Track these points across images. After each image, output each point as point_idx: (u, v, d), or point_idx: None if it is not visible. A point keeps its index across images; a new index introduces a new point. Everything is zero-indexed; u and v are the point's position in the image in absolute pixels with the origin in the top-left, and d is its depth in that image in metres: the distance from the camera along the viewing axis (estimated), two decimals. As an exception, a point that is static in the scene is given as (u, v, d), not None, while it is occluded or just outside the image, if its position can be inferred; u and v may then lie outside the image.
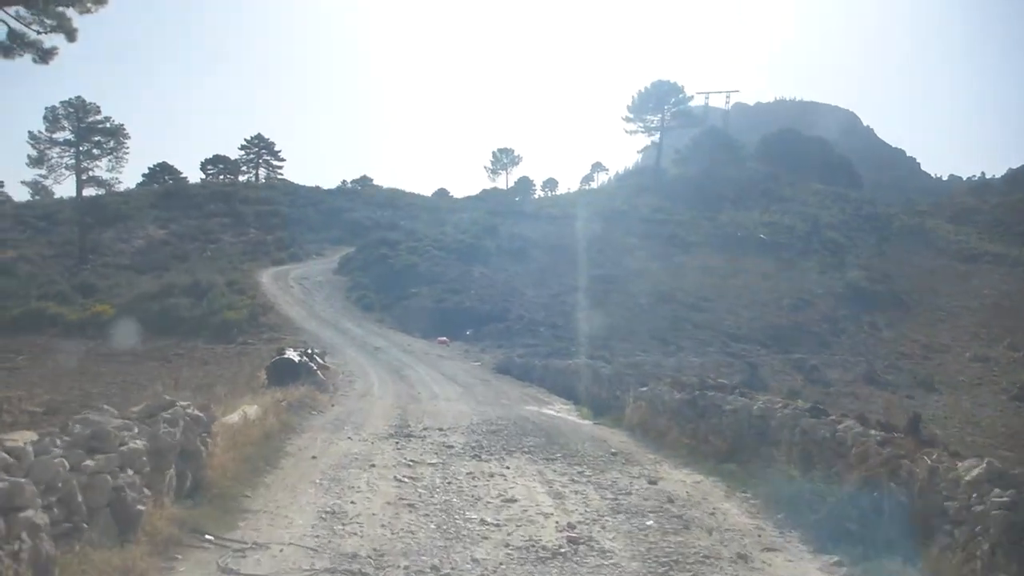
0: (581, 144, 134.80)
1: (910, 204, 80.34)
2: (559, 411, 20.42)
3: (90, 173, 67.14)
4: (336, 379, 23.82)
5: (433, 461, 10.73)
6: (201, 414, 8.15)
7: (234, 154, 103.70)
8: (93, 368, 27.50)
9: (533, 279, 46.85)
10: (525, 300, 42.22)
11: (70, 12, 18.38)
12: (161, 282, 41.19)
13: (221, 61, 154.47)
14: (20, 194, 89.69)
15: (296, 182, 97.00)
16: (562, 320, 38.35)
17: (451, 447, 11.98)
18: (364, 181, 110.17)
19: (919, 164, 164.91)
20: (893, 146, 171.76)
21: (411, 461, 10.61)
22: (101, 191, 69.45)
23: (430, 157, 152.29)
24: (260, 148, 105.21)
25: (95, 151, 67.03)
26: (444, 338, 36.79)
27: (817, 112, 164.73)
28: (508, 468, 10.49)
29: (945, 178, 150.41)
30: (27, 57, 19.11)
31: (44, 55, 19.32)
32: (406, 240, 54.86)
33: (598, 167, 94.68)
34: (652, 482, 9.99)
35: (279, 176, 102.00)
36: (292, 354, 21.44)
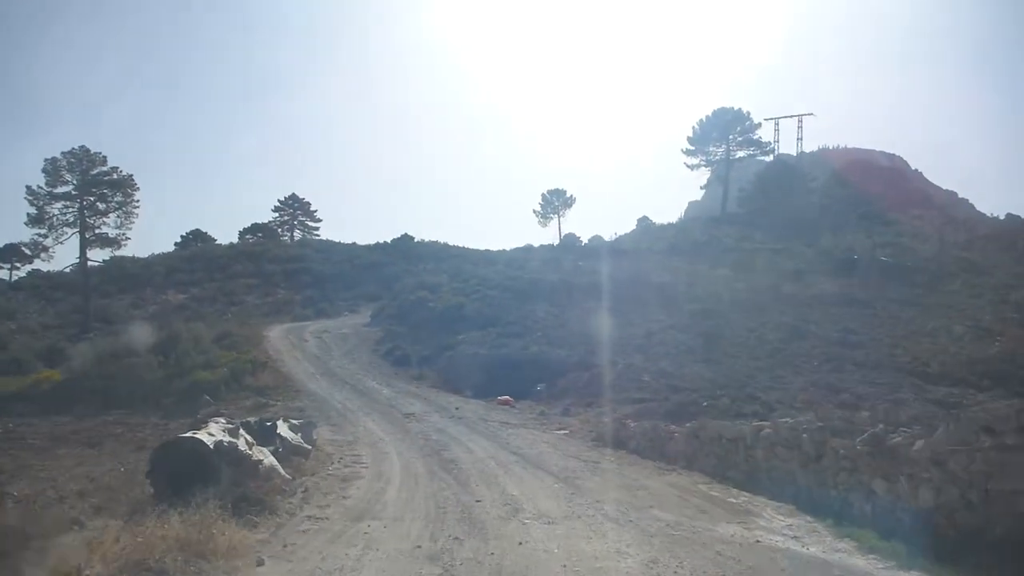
0: (625, 199, 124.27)
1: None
2: (799, 537, 8.31)
3: (96, 231, 57.68)
4: (324, 469, 11.94)
5: None
6: None
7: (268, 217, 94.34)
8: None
9: (615, 317, 34.76)
10: (611, 342, 30.12)
11: None
12: (120, 340, 29.68)
13: (257, 125, 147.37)
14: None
15: (332, 240, 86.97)
16: (670, 365, 26.14)
17: None
18: (404, 240, 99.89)
19: (973, 205, 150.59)
20: (945, 189, 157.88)
21: None
22: (108, 251, 59.01)
23: (470, 214, 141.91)
24: (295, 209, 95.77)
25: (100, 205, 57.50)
26: (507, 396, 24.84)
27: (868, 157, 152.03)
28: None
29: (1002, 217, 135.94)
30: None
31: None
32: (450, 282, 43.31)
33: (644, 221, 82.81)
34: None
35: (315, 236, 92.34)
36: (210, 433, 9.56)
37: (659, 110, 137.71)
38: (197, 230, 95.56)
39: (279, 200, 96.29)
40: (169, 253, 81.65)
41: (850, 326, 31.93)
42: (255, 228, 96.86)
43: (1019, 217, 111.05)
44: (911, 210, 76.79)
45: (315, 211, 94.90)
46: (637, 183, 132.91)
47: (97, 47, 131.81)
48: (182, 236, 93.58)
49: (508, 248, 64.33)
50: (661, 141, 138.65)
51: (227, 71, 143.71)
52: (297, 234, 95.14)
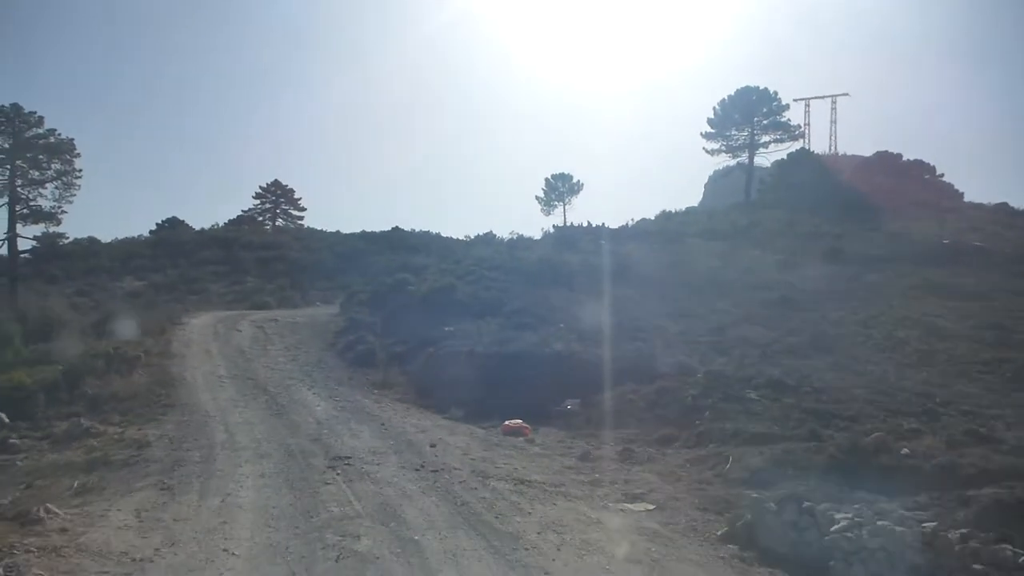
0: (633, 189, 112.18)
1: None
2: None
3: (30, 203, 47.06)
4: None
5: None
6: None
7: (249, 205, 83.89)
8: None
9: (660, 306, 24.44)
10: (669, 339, 19.78)
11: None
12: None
13: (245, 115, 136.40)
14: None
15: (315, 228, 76.57)
16: (788, 371, 15.66)
17: None
18: (395, 232, 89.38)
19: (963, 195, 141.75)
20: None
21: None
22: (42, 227, 48.22)
23: (467, 208, 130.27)
24: (277, 196, 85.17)
25: (34, 173, 46.90)
26: (518, 421, 14.46)
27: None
28: None
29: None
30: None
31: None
32: (438, 264, 32.94)
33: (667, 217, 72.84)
34: None
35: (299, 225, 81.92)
36: None
37: (674, 91, 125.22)
38: (174, 218, 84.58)
39: (260, 187, 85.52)
40: (132, 239, 71.13)
41: (1003, 322, 21.58)
42: (241, 220, 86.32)
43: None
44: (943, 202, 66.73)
45: (299, 199, 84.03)
46: (647, 172, 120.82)
47: (84, 31, 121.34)
48: (157, 224, 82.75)
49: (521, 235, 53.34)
50: (673, 127, 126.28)
51: (215, 62, 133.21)
52: (280, 223, 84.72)
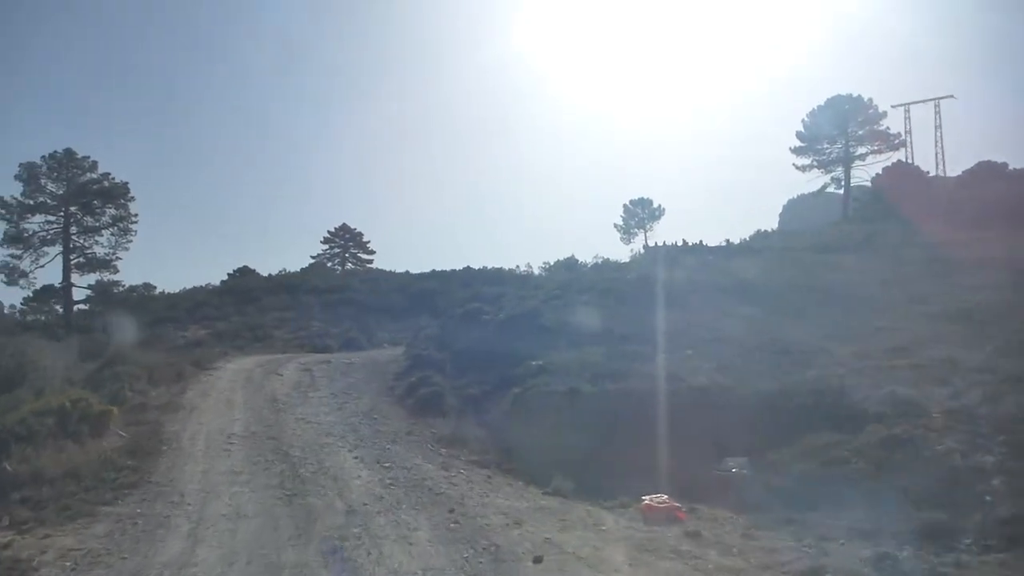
0: (712, 213, 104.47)
1: None
2: None
3: (85, 251, 44.10)
4: None
5: None
6: None
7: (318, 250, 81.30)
8: None
9: (805, 326, 18.57)
10: (843, 363, 13.97)
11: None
12: None
13: (311, 156, 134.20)
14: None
15: (383, 269, 72.90)
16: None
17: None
18: (466, 271, 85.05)
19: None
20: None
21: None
22: (97, 275, 45.08)
23: (535, 241, 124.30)
24: (346, 240, 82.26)
25: (88, 219, 43.92)
26: (663, 499, 8.88)
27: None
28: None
29: None
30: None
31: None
32: (516, 291, 27.78)
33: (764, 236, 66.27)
34: None
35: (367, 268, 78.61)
36: None
37: (756, 109, 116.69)
38: (245, 267, 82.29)
39: (328, 231, 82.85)
40: (200, 287, 68.86)
41: None
42: (311, 268, 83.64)
43: None
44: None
45: (367, 242, 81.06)
46: (725, 195, 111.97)
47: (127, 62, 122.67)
48: (228, 274, 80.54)
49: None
50: (742, 149, 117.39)
51: (277, 107, 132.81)
52: (349, 267, 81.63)
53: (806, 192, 65.47)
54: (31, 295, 45.00)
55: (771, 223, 68.38)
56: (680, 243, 37.29)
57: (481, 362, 18.84)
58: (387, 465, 10.83)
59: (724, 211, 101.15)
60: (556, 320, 20.27)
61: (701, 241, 38.09)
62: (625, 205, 63.53)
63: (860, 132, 60.78)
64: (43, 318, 46.94)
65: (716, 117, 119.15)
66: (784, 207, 76.04)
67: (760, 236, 46.92)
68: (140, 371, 15.70)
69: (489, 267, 67.19)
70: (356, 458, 11.22)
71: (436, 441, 12.81)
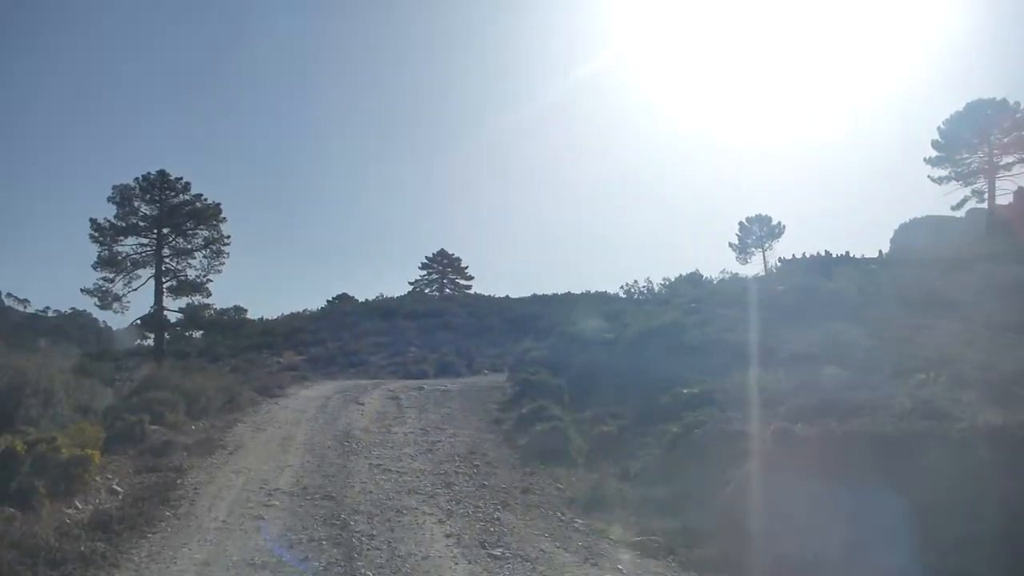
0: (827, 230, 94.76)
1: None
2: None
3: (178, 275, 42.41)
4: None
5: None
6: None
7: (415, 276, 79.20)
8: None
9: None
10: None
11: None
12: None
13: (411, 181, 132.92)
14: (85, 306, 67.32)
15: (482, 294, 69.72)
16: None
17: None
18: (567, 296, 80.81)
19: None
20: None
21: None
22: (188, 299, 43.06)
23: (641, 264, 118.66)
24: (444, 265, 79.73)
25: (180, 241, 42.30)
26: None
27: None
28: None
29: None
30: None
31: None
32: (637, 307, 23.34)
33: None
34: None
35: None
36: None
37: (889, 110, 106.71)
38: (344, 293, 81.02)
39: (426, 257, 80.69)
40: (298, 313, 67.42)
41: None
42: (410, 294, 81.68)
43: None
44: None
45: (466, 267, 78.35)
46: (838, 210, 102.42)
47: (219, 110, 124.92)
48: (327, 300, 79.38)
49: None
50: (861, 163, 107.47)
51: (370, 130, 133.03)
52: (447, 292, 79.03)
53: (918, 215, 58.20)
54: (139, 321, 43.84)
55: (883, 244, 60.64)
56: (824, 252, 31.94)
57: (608, 390, 14.55)
58: (497, 552, 6.66)
59: (835, 225, 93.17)
60: (701, 337, 15.75)
61: (848, 252, 32.66)
62: (740, 222, 57.97)
63: (1005, 140, 53.45)
64: (149, 343, 45.59)
65: (837, 129, 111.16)
66: (896, 231, 66.82)
67: (897, 249, 40.73)
68: (176, 398, 12.14)
69: (592, 291, 62.41)
70: (449, 536, 7.10)
71: (567, 504, 8.53)
